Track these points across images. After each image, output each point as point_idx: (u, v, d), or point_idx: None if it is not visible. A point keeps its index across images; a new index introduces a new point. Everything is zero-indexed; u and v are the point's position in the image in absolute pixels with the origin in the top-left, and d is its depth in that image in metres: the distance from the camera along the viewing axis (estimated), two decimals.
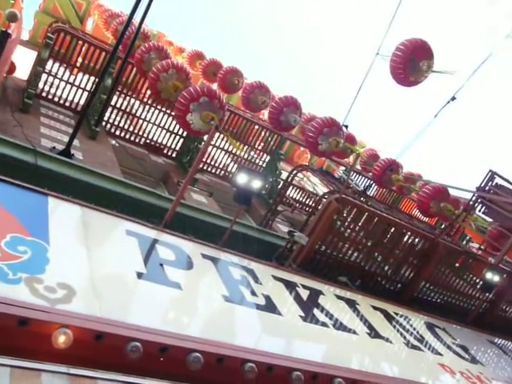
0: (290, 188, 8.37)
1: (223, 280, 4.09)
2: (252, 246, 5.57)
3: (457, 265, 7.54)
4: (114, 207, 4.25)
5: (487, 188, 8.25)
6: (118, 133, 9.07)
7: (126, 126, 9.13)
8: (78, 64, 9.04)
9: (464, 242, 11.15)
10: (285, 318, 4.07)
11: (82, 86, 8.72)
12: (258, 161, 10.73)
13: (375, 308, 5.50)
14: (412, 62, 5.58)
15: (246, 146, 10.34)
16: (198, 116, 5.26)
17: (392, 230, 6.47)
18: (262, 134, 10.47)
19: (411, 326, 5.69)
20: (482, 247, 9.11)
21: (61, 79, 8.62)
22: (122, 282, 3.37)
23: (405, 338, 5.20)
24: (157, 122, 9.38)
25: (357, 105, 8.29)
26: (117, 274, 3.45)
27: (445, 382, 4.55)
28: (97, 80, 7.11)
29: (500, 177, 8.50)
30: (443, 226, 8.83)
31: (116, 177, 5.85)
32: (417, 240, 6.54)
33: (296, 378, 3.25)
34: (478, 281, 7.67)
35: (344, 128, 6.18)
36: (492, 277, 7.31)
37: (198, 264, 4.18)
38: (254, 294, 4.19)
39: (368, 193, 8.43)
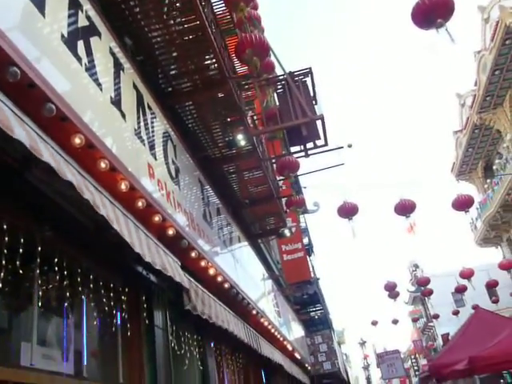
0: None
1: None
2: None
3: (227, 115, 7.86)
4: None
5: (296, 79, 8.66)
6: None
7: None
8: None
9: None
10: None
11: None
12: None
13: (135, 87, 5.37)
14: None
15: None
16: None
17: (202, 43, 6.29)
18: None
19: (152, 125, 5.78)
20: (256, 117, 9.75)
21: None
22: None
23: (139, 127, 5.27)
24: None
25: None
26: None
27: (141, 176, 4.85)
28: None
29: (312, 80, 8.99)
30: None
31: None
32: (215, 66, 6.53)
33: (12, 73, 2.99)
34: (230, 135, 8.20)
35: None
36: (241, 140, 7.98)
37: None
38: None
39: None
